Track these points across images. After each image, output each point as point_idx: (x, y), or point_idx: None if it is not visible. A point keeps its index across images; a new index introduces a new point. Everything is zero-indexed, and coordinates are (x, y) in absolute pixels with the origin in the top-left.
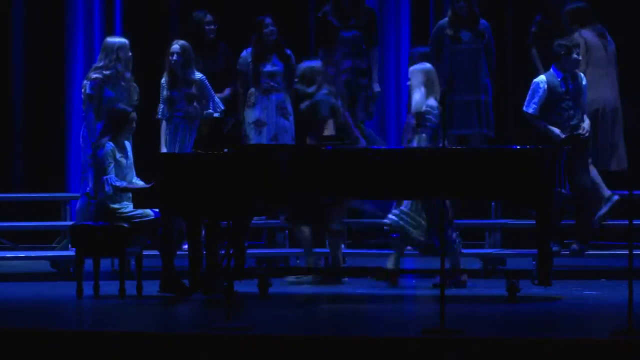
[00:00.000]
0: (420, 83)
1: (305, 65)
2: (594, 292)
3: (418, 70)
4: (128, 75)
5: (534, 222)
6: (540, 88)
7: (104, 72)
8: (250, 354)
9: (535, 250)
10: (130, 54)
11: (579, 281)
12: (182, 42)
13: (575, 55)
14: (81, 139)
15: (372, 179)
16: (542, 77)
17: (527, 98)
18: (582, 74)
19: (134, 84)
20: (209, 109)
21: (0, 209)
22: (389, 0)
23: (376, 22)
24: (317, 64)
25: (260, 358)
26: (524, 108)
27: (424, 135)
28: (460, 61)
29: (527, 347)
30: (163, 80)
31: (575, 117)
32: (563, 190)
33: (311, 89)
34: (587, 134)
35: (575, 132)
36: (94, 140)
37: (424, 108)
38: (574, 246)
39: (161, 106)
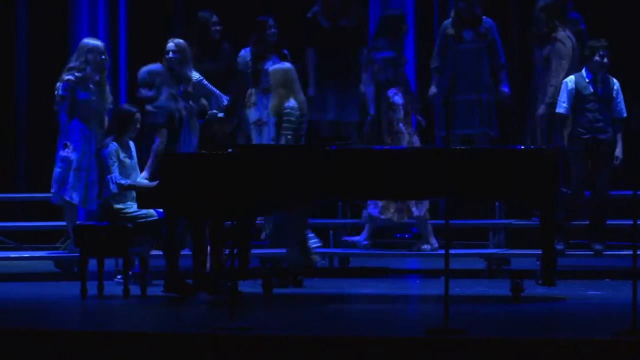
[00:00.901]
0: (279, 84)
1: (143, 70)
2: (598, 292)
3: (277, 70)
4: (97, 78)
5: (538, 222)
6: (567, 87)
7: (76, 73)
8: (254, 354)
9: (539, 250)
10: (103, 57)
11: (583, 281)
12: (177, 40)
13: (597, 58)
14: (58, 141)
15: (376, 179)
16: (570, 77)
17: (558, 99)
18: (614, 79)
19: (108, 87)
20: (213, 106)
21: (5, 209)
22: (393, 1)
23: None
24: (156, 67)
25: (264, 358)
26: (556, 109)
27: (288, 136)
28: (462, 61)
29: (530, 347)
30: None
31: (602, 121)
32: (569, 191)
33: (151, 93)
34: (610, 140)
35: (599, 135)
36: (65, 141)
37: (284, 110)
38: (598, 246)
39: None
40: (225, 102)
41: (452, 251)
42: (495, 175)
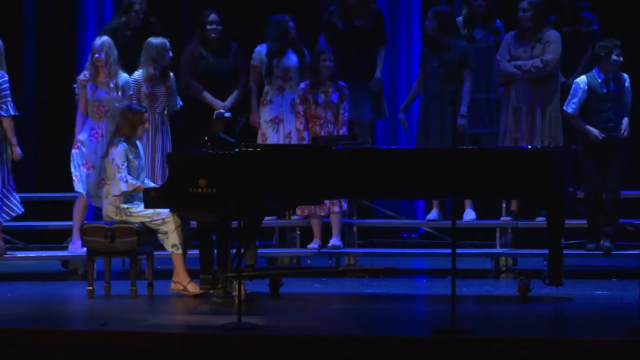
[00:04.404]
0: None
1: None
2: (606, 292)
3: None
4: (88, 75)
5: (545, 222)
6: (580, 89)
7: (85, 72)
8: (261, 354)
9: (546, 250)
10: (97, 55)
11: (590, 281)
12: (163, 38)
13: (614, 57)
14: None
15: (384, 178)
16: (582, 78)
17: (568, 98)
18: (625, 75)
19: (114, 84)
20: (175, 106)
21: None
22: (400, 1)
23: (383, 22)
24: None
25: (271, 358)
26: (564, 107)
27: None
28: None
29: (538, 347)
30: (139, 76)
31: (615, 119)
32: (578, 191)
33: None
34: (625, 134)
35: (613, 134)
36: (78, 138)
37: None
38: (607, 244)
39: (133, 102)
40: (180, 104)
41: (459, 251)
42: (502, 175)
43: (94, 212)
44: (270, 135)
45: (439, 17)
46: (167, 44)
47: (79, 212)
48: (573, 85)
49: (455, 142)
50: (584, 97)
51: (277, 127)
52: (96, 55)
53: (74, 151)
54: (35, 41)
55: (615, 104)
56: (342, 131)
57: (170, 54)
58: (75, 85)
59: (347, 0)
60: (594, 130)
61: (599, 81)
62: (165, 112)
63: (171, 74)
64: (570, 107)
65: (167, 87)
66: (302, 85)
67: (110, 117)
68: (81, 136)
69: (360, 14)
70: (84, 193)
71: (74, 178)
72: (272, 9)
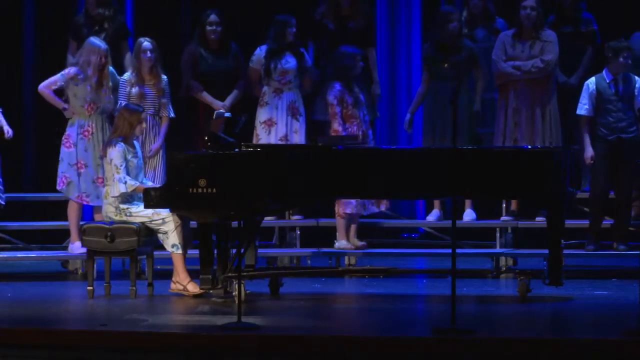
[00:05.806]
0: None
1: None
2: (605, 292)
3: None
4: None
5: (545, 222)
6: (588, 89)
7: (79, 72)
8: (261, 354)
9: (546, 250)
10: (101, 58)
11: (590, 281)
12: (149, 39)
13: (621, 59)
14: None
15: (384, 178)
16: (591, 79)
17: (579, 100)
18: (636, 77)
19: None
20: (166, 111)
21: (12, 209)
22: (400, 1)
23: (373, 24)
24: None
25: (271, 358)
26: (577, 111)
27: None
28: None
29: (538, 347)
30: (127, 77)
31: (625, 120)
32: (577, 191)
33: None
34: None
35: (622, 135)
36: (71, 135)
37: None
38: (622, 246)
39: (121, 103)
40: (173, 114)
41: (459, 251)
42: (502, 175)
43: (92, 212)
44: (263, 137)
45: (451, 20)
46: (146, 44)
47: (73, 214)
48: (583, 87)
49: (455, 142)
50: (593, 98)
51: (269, 129)
52: (104, 58)
53: (65, 149)
54: (35, 41)
55: (625, 105)
56: (369, 130)
57: (149, 55)
58: (60, 76)
59: (338, 2)
60: (589, 152)
61: (607, 82)
62: (158, 116)
63: (164, 77)
64: (582, 110)
65: (158, 89)
66: (337, 86)
67: (99, 115)
68: (70, 134)
69: (352, 15)
70: (72, 198)
71: (61, 178)
72: (272, 10)
